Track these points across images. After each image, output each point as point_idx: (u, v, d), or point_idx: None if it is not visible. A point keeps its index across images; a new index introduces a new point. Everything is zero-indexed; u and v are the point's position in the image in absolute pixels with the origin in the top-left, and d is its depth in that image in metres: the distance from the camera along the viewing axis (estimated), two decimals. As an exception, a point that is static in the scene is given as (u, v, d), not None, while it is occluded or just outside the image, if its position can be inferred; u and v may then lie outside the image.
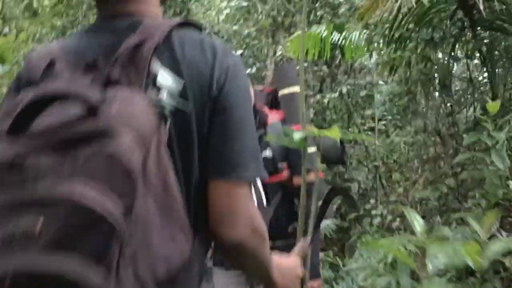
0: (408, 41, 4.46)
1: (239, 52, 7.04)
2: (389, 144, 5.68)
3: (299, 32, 6.67)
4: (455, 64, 4.86)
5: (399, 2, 3.63)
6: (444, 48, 4.62)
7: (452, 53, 4.62)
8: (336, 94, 7.25)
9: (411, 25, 4.35)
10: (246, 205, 0.96)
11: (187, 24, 1.03)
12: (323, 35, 6.04)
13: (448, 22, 4.28)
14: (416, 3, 3.78)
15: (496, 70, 4.64)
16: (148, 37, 0.92)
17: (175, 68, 0.94)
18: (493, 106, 3.02)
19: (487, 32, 4.58)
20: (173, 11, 5.06)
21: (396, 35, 4.22)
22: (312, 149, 2.26)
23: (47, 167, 0.71)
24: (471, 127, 4.69)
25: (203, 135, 0.96)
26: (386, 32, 4.15)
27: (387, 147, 5.71)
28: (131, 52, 0.89)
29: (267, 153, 2.13)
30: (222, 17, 8.15)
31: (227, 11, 7.73)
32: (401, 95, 4.77)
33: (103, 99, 0.78)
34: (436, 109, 5.38)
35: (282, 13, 9.27)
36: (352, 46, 5.84)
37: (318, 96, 7.66)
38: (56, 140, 0.74)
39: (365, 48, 5.51)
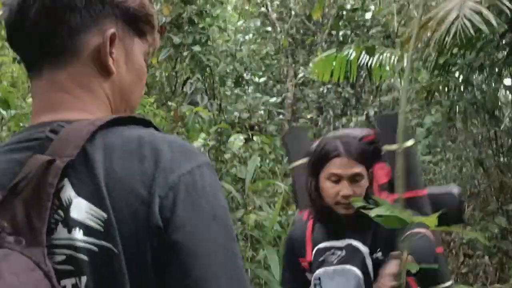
0: (451, 67, 4.05)
1: (262, 79, 6.67)
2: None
3: (323, 53, 6.34)
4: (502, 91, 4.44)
5: (445, 26, 3.22)
6: (489, 73, 4.20)
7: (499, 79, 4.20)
8: (363, 118, 6.85)
9: (455, 50, 3.95)
10: None
11: (123, 121, 0.72)
12: (351, 58, 5.68)
13: (497, 45, 3.86)
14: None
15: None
16: (62, 150, 0.65)
17: (94, 192, 0.65)
18: None
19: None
20: (192, 38, 4.72)
21: (441, 61, 3.82)
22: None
23: None
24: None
25: (145, 286, 0.65)
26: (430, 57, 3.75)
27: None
28: (37, 178, 0.63)
29: (378, 254, 1.67)
30: (239, 36, 7.83)
31: (247, 35, 7.42)
32: (442, 123, 4.35)
33: None
34: (477, 138, 4.97)
35: (301, 31, 8.96)
36: (382, 69, 5.49)
37: (344, 119, 7.27)
38: None
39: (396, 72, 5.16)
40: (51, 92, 0.75)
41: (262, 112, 6.06)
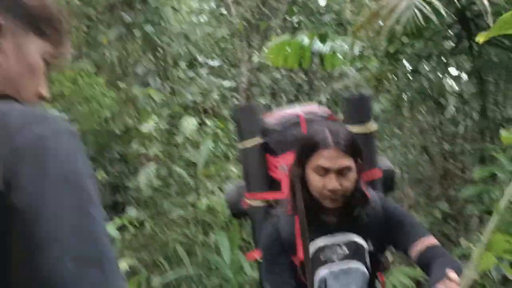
0: (400, 55, 4.15)
1: (216, 62, 6.60)
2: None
3: (278, 38, 6.34)
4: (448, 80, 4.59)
5: (396, 16, 3.29)
6: (437, 63, 4.34)
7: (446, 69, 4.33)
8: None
9: (405, 39, 4.04)
10: None
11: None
12: (304, 44, 5.71)
13: (445, 35, 3.98)
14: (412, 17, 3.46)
15: (488, 85, 4.41)
16: None
17: None
18: (507, 138, 2.70)
19: (481, 47, 4.32)
20: (144, 18, 4.59)
21: (391, 50, 3.90)
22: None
23: None
24: (463, 148, 4.45)
25: None
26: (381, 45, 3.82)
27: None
28: None
29: (370, 247, 1.67)
30: (193, 18, 7.70)
31: (201, 17, 7.29)
32: (390, 111, 4.46)
33: None
34: (423, 126, 5.13)
35: (256, 16, 8.91)
36: (334, 57, 5.56)
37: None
38: None
39: (348, 59, 5.23)
40: None
41: (216, 96, 6.01)
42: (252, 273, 4.02)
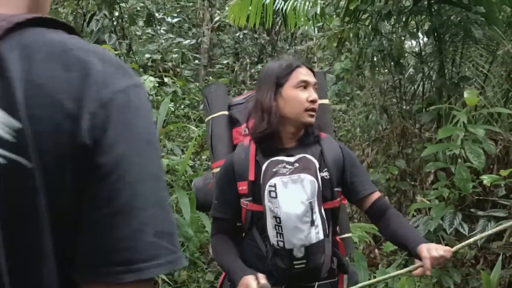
0: (361, 14, 4.12)
1: (175, 19, 6.41)
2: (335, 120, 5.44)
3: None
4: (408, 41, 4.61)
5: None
6: (397, 21, 4.34)
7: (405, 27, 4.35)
8: (278, 65, 6.88)
9: (365, -3, 4.01)
10: None
11: (44, 21, 0.61)
12: (266, 2, 5.60)
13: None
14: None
15: (446, 45, 4.46)
16: None
17: (5, 98, 0.55)
18: (472, 100, 2.76)
19: (440, 6, 4.35)
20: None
21: (352, 7, 3.86)
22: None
23: None
24: (421, 108, 4.52)
25: (64, 211, 0.58)
26: (341, 3, 3.78)
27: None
28: None
29: (324, 174, 1.78)
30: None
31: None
32: (351, 70, 4.46)
33: None
34: (383, 86, 5.18)
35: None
36: (296, 16, 5.50)
37: (259, 66, 7.26)
38: None
39: (310, 18, 5.18)
40: None
41: (176, 55, 5.86)
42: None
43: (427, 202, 3.49)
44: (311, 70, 1.81)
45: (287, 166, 1.70)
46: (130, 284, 0.58)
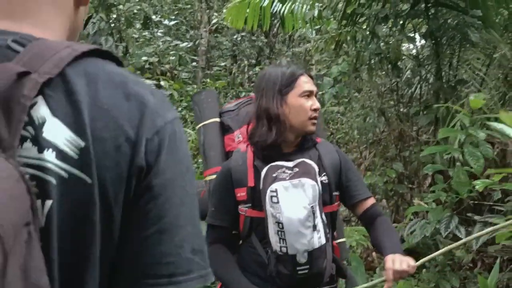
0: (359, 17, 4.12)
1: (173, 22, 6.41)
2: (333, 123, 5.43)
3: (237, -1, 6.20)
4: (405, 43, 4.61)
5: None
6: (394, 24, 4.34)
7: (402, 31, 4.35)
8: (276, 67, 6.88)
9: (362, 0, 4.01)
10: None
11: (100, 53, 0.68)
12: (264, 5, 5.61)
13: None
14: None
15: (443, 48, 4.46)
16: (34, 68, 0.59)
17: (73, 118, 0.62)
18: (476, 102, 2.75)
19: (437, 10, 4.35)
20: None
21: (349, 11, 3.86)
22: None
23: None
24: (418, 111, 4.52)
25: (114, 224, 0.64)
26: (338, 6, 3.77)
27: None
28: (6, 89, 0.56)
29: (323, 178, 1.78)
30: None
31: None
32: (348, 73, 4.46)
33: None
34: (380, 88, 5.18)
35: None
36: (294, 18, 5.50)
37: (257, 68, 7.26)
38: None
39: (307, 21, 5.19)
40: None
41: (173, 57, 5.85)
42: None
43: (425, 205, 3.49)
44: (311, 77, 1.82)
45: (287, 171, 1.69)
46: None
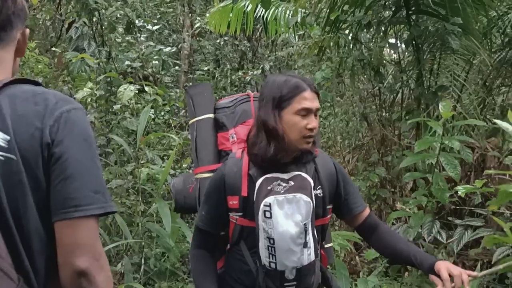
0: (342, 24, 4.16)
1: (156, 27, 6.38)
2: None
3: (220, 4, 6.20)
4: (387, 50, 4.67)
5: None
6: (376, 31, 4.39)
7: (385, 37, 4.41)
8: (259, 72, 6.90)
9: (345, 7, 4.05)
10: (90, 238, 1.06)
11: (20, 80, 1.11)
12: (247, 10, 5.62)
13: (384, 4, 4.02)
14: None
15: (424, 54, 4.53)
16: None
17: (1, 123, 1.04)
18: (446, 113, 2.80)
19: (418, 17, 4.42)
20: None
21: (332, 17, 3.90)
22: None
23: None
24: (400, 116, 4.58)
25: (39, 180, 1.06)
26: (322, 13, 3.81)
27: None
28: None
29: (318, 191, 1.74)
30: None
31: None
32: (331, 79, 4.50)
33: None
34: (363, 94, 5.24)
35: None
36: (277, 23, 5.53)
37: (240, 73, 7.27)
38: None
39: (290, 26, 5.22)
40: None
41: (156, 62, 5.82)
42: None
43: (407, 210, 3.53)
44: (317, 92, 1.71)
45: (282, 183, 1.67)
46: (77, 219, 1.05)
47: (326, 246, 1.99)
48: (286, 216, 1.62)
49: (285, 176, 1.68)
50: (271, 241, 1.61)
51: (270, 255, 1.63)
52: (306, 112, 1.66)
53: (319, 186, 1.74)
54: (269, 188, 1.65)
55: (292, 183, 1.66)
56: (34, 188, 1.04)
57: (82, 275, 1.03)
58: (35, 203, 1.04)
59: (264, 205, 1.62)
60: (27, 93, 1.07)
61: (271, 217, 1.61)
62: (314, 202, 1.67)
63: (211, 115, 2.06)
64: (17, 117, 1.03)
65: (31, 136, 1.03)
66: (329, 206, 1.80)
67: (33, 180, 1.04)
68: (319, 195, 1.73)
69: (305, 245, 1.62)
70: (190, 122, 2.13)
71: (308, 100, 1.66)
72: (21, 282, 0.99)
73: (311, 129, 1.66)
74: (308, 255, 1.64)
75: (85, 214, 1.04)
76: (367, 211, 1.85)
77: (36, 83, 1.12)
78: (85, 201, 1.04)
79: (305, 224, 1.62)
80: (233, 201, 1.73)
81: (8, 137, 1.02)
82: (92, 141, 1.11)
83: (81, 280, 1.03)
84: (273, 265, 1.63)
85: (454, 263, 3.95)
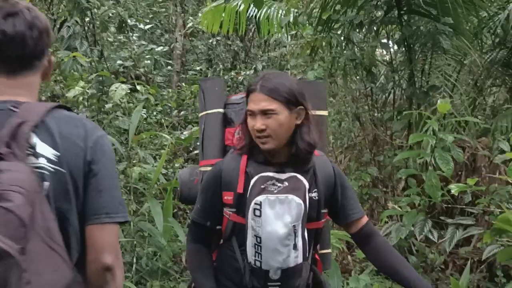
0: (334, 23, 4.18)
1: (148, 26, 6.35)
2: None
3: (212, 3, 6.20)
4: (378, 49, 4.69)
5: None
6: (368, 31, 4.42)
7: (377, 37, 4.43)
8: (252, 72, 6.90)
9: (338, 7, 4.07)
10: (114, 240, 1.29)
11: (60, 106, 1.32)
12: (239, 9, 5.62)
13: (376, 4, 4.04)
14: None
15: (415, 54, 4.56)
16: (28, 118, 1.21)
17: (51, 141, 1.24)
18: (443, 107, 2.82)
19: (410, 17, 4.45)
20: None
21: (324, 17, 3.91)
22: None
23: None
24: (392, 116, 4.61)
25: (79, 190, 1.26)
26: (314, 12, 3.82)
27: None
28: (14, 131, 1.18)
29: (314, 194, 1.73)
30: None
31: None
32: (324, 78, 4.51)
33: None
34: (355, 94, 5.26)
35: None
36: (270, 23, 5.53)
37: (233, 73, 7.26)
38: None
39: (283, 26, 5.23)
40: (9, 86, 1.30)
41: (148, 61, 5.80)
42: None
43: (399, 209, 3.55)
44: (268, 93, 1.67)
45: (276, 183, 1.67)
46: (107, 224, 1.26)
47: (322, 251, 1.97)
48: (276, 216, 1.62)
49: (282, 176, 1.68)
50: (258, 239, 1.62)
51: (256, 254, 1.64)
52: (251, 113, 1.69)
53: (315, 189, 1.73)
54: (262, 187, 1.65)
55: (287, 183, 1.66)
56: (76, 197, 1.25)
57: (108, 270, 1.24)
58: (76, 209, 1.25)
59: (255, 203, 1.63)
60: (67, 117, 1.29)
61: (260, 216, 1.62)
62: (307, 204, 1.66)
63: (221, 110, 2.08)
64: (63, 137, 1.24)
65: (75, 154, 1.24)
66: (324, 210, 1.78)
67: (75, 190, 1.24)
68: (314, 198, 1.72)
69: (294, 246, 1.62)
70: (200, 115, 2.15)
71: (252, 101, 1.69)
72: (75, 271, 1.20)
73: (257, 130, 1.67)
74: (295, 258, 1.64)
75: (113, 221, 1.27)
76: (364, 219, 1.83)
77: (68, 108, 1.34)
78: (113, 210, 1.27)
79: (294, 226, 1.62)
80: (228, 197, 1.74)
81: (58, 153, 1.22)
82: (114, 162, 1.37)
83: (106, 274, 1.24)
84: (258, 264, 1.64)
85: (445, 262, 3.99)
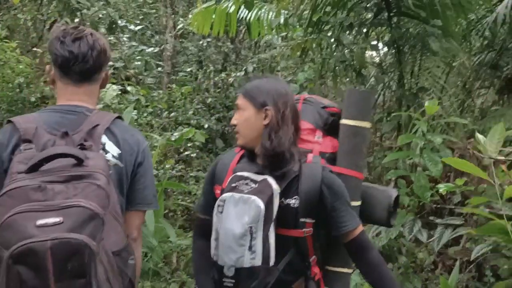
0: (324, 25, 4.21)
1: (138, 27, 6.34)
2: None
3: (203, 5, 6.20)
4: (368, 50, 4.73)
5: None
6: (358, 33, 4.45)
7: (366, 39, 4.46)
8: (242, 73, 6.91)
9: (328, 8, 4.09)
10: (142, 222, 1.75)
11: (119, 116, 1.69)
12: (230, 11, 5.63)
13: (366, 6, 4.08)
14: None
15: (405, 56, 4.60)
16: (100, 122, 1.60)
17: (115, 142, 1.62)
18: (431, 108, 2.85)
19: (399, 19, 4.49)
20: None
21: (314, 19, 3.94)
22: (356, 203, 1.88)
23: (60, 190, 1.36)
24: (382, 117, 4.64)
25: (128, 180, 1.65)
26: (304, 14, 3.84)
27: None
28: (90, 131, 1.57)
29: (292, 201, 1.72)
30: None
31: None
32: (314, 80, 4.55)
33: (84, 156, 1.44)
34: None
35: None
36: (260, 25, 5.55)
37: (223, 74, 7.27)
38: (62, 176, 1.40)
39: (273, 28, 5.25)
40: (78, 93, 1.66)
41: (139, 62, 5.79)
42: (178, 241, 4.00)
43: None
44: (241, 91, 1.79)
45: (250, 183, 1.68)
46: (142, 211, 1.70)
47: (335, 269, 1.91)
48: (237, 215, 1.63)
49: (258, 178, 1.70)
50: (217, 235, 1.68)
51: (215, 248, 1.69)
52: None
53: (296, 196, 1.71)
54: (233, 185, 1.69)
55: (257, 185, 1.68)
56: (126, 185, 1.63)
57: (135, 240, 1.66)
58: (126, 196, 1.64)
59: (220, 200, 1.68)
60: (126, 126, 1.70)
61: (222, 212, 1.67)
62: (273, 208, 1.66)
63: None
64: (124, 140, 1.62)
65: (130, 155, 1.63)
66: (305, 219, 1.74)
67: (126, 182, 1.63)
68: (292, 205, 1.71)
69: (249, 248, 1.62)
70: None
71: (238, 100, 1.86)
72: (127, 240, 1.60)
73: (231, 125, 1.86)
74: (251, 259, 1.62)
75: (149, 208, 1.72)
76: (356, 231, 1.76)
77: (121, 118, 1.71)
78: (150, 201, 1.68)
79: (250, 227, 1.62)
80: (218, 191, 1.79)
81: (120, 151, 1.61)
82: (152, 165, 1.77)
83: (132, 243, 1.63)
84: (215, 258, 1.69)
85: (435, 262, 4.02)
